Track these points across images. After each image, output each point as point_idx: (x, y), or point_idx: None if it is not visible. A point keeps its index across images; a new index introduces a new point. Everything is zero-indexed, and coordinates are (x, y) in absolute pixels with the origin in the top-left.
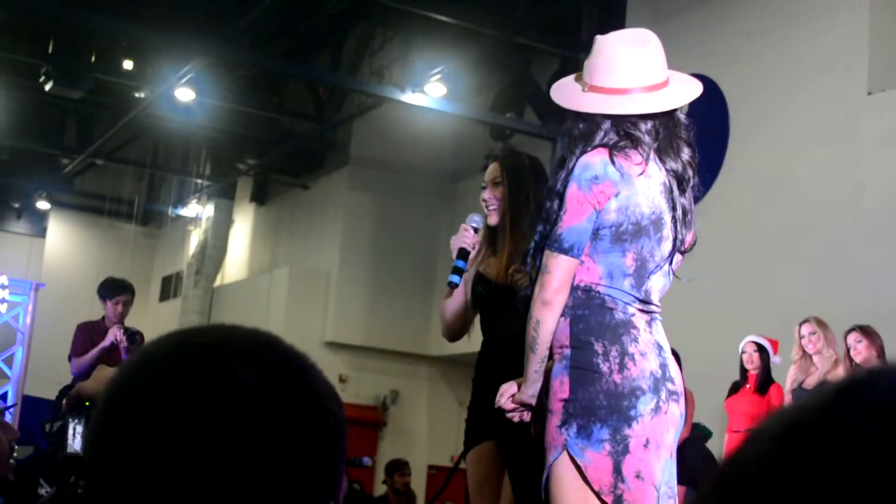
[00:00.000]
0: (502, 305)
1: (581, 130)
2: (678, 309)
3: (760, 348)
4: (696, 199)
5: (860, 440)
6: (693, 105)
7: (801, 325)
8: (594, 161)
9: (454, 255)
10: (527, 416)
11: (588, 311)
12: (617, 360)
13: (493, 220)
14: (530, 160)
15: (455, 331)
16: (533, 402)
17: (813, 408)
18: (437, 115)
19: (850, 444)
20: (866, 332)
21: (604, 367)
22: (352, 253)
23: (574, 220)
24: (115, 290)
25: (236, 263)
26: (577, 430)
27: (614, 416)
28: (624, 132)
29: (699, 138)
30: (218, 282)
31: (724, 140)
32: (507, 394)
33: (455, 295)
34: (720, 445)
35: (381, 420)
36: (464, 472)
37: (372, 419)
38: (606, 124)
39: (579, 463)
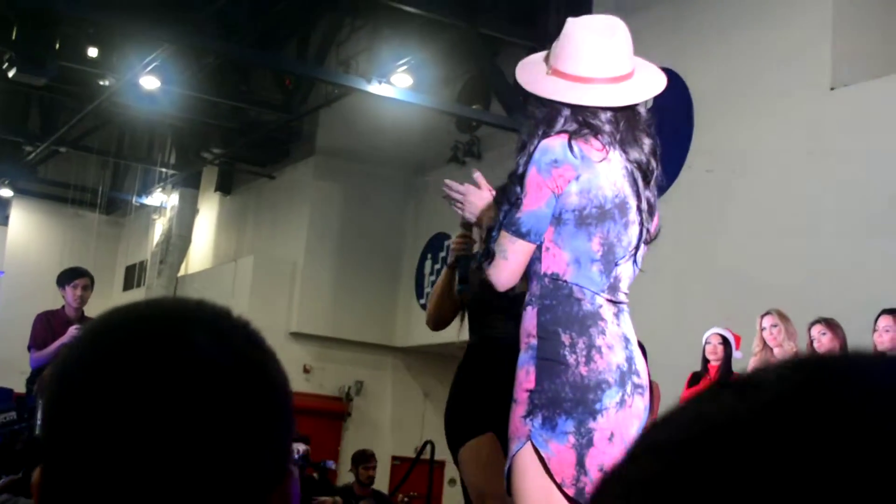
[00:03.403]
0: (487, 307)
1: (543, 114)
2: (639, 300)
3: (725, 341)
4: (661, 190)
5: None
6: (658, 98)
7: (762, 317)
8: (554, 145)
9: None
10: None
11: (555, 301)
12: (584, 353)
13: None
14: None
15: (438, 320)
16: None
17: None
18: (404, 106)
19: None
20: (830, 324)
21: (570, 359)
22: (317, 243)
23: (533, 204)
24: (72, 274)
25: (201, 253)
26: (541, 421)
27: (579, 409)
28: (583, 120)
29: (663, 131)
30: (182, 271)
31: (688, 133)
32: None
33: (442, 284)
34: None
35: (346, 411)
36: (425, 462)
37: (336, 410)
38: (566, 111)
39: (542, 454)
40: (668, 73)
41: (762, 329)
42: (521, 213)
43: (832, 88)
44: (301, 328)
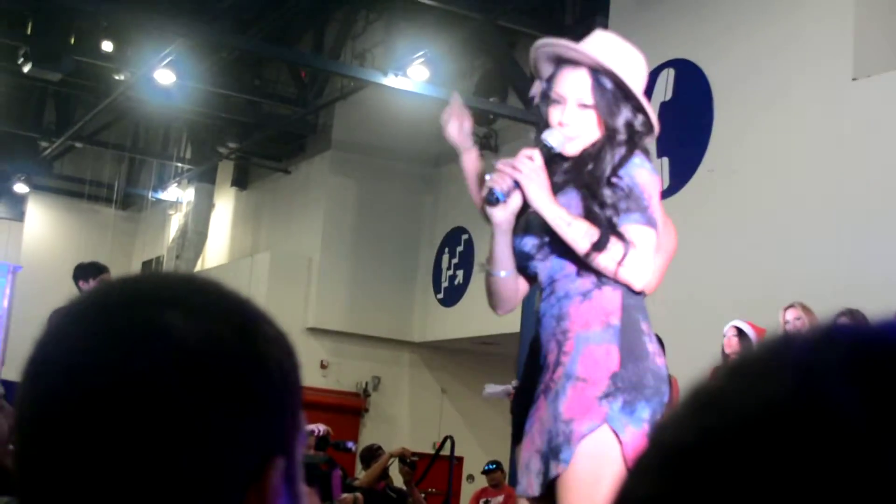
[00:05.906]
0: None
1: (640, 123)
2: (663, 296)
3: (741, 333)
4: (683, 180)
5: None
6: (678, 91)
7: (786, 309)
8: (645, 156)
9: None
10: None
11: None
12: (657, 344)
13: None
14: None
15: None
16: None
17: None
18: (420, 99)
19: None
20: (855, 316)
21: (650, 348)
22: (334, 238)
23: (658, 204)
24: (97, 269)
25: (217, 248)
26: (622, 404)
27: (656, 399)
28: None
29: (684, 123)
30: (198, 266)
31: (708, 126)
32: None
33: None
34: None
35: (363, 406)
36: (445, 458)
37: (354, 406)
38: (647, 133)
39: (620, 438)
40: (688, 65)
41: (785, 322)
42: (655, 212)
43: (854, 79)
44: (318, 323)
